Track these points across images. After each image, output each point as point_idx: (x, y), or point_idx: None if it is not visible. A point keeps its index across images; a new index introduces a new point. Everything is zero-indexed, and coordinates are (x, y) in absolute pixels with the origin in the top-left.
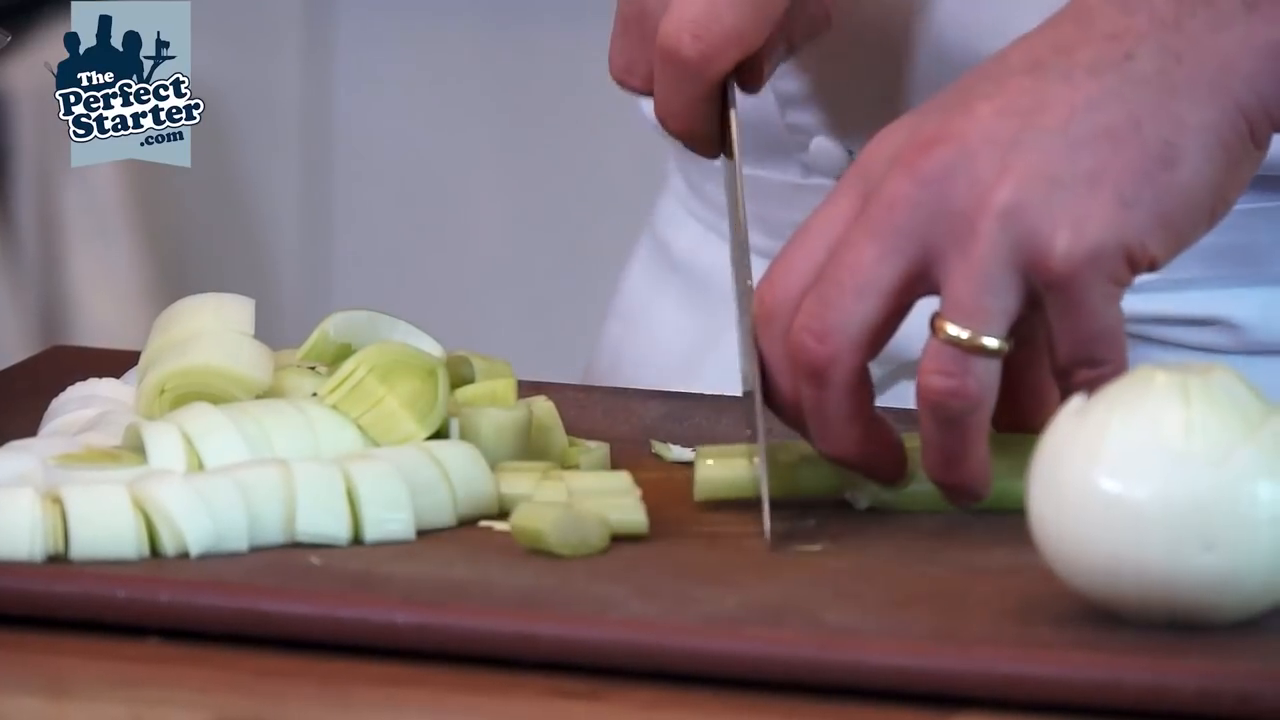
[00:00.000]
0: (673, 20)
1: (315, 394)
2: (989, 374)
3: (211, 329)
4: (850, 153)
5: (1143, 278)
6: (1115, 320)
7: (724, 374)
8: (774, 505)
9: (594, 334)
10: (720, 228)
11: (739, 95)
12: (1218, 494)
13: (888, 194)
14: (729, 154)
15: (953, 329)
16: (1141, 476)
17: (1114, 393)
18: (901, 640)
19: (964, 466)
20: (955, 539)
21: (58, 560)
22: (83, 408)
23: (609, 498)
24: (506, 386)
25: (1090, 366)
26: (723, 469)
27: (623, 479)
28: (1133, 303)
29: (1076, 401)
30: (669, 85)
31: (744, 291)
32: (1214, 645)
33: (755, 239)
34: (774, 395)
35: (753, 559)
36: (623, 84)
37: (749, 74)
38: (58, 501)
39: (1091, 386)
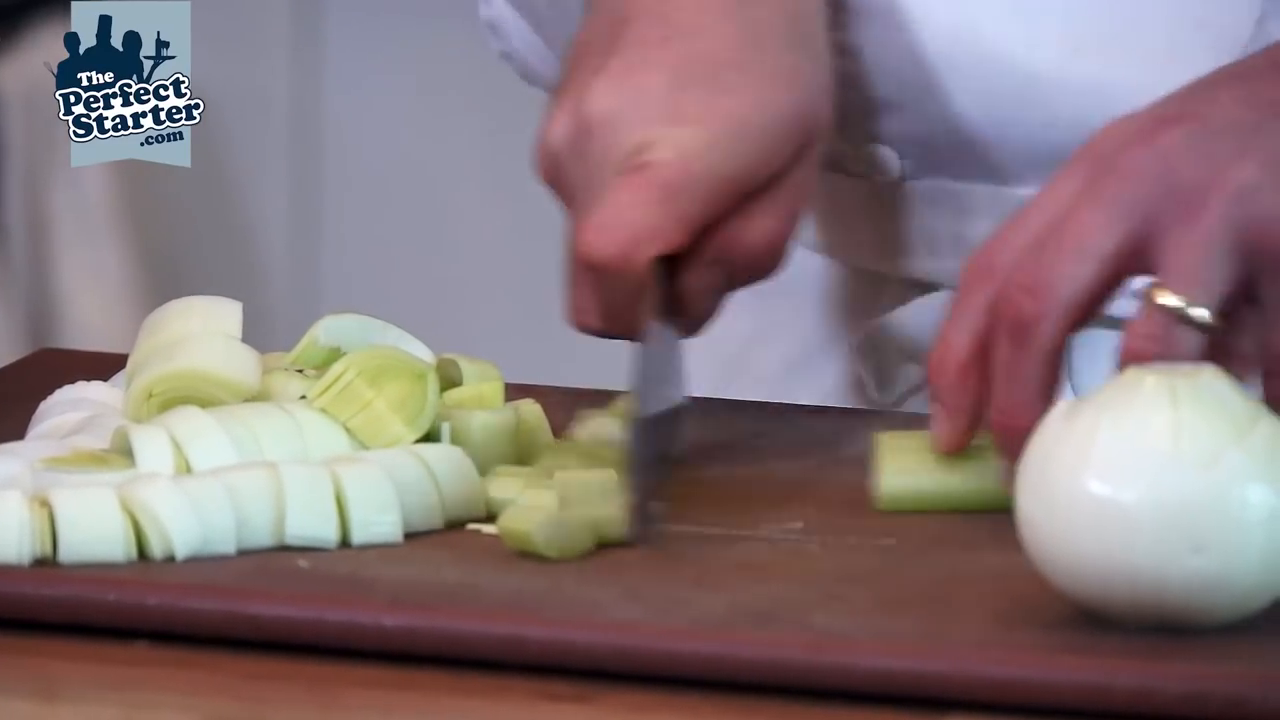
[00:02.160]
0: (585, 228)
1: (304, 397)
2: (1195, 346)
3: (200, 332)
4: (903, 159)
5: None
6: None
7: (774, 369)
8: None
9: (586, 334)
10: None
11: None
12: (1207, 497)
13: (1121, 165)
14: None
15: (1166, 297)
16: (1130, 479)
17: (1103, 396)
18: (890, 643)
19: None
20: (944, 542)
21: (45, 563)
22: (71, 411)
23: (597, 500)
24: (494, 389)
25: None
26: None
27: (608, 477)
28: None
29: (1065, 404)
30: (601, 291)
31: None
32: (1203, 648)
33: (806, 237)
34: (943, 353)
35: (742, 562)
36: (578, 327)
37: (681, 304)
38: (46, 504)
39: None
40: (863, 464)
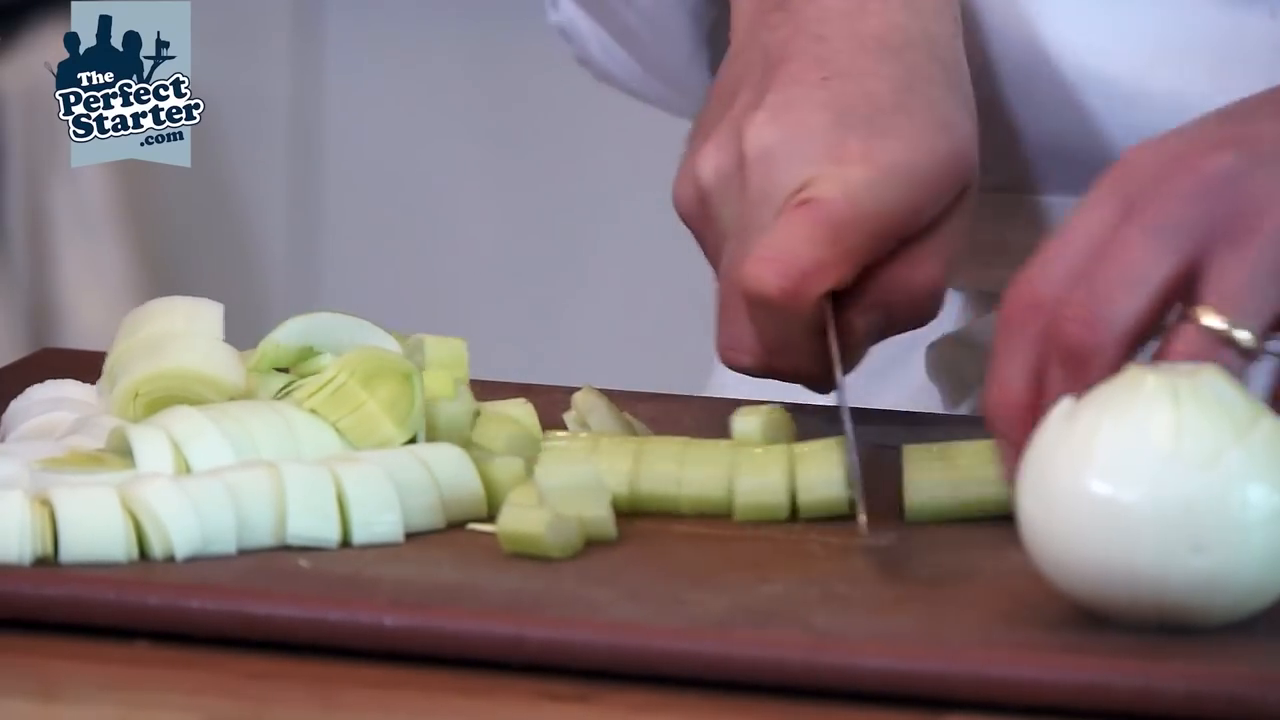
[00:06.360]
0: (752, 261)
1: (282, 389)
2: (1238, 369)
3: (183, 331)
4: (981, 172)
5: None
6: None
7: (849, 377)
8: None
9: (582, 334)
10: None
11: None
12: (1207, 496)
13: (1166, 192)
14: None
15: (1209, 319)
16: (1131, 479)
17: (1104, 395)
18: (890, 643)
19: None
20: (944, 542)
21: (46, 563)
22: (49, 410)
23: (582, 496)
24: (445, 379)
25: None
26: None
27: (590, 473)
28: None
29: (1066, 404)
30: (764, 327)
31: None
32: (1204, 648)
33: None
34: (1000, 392)
35: (741, 562)
36: (731, 364)
37: (845, 337)
38: (47, 504)
39: None
40: (863, 462)
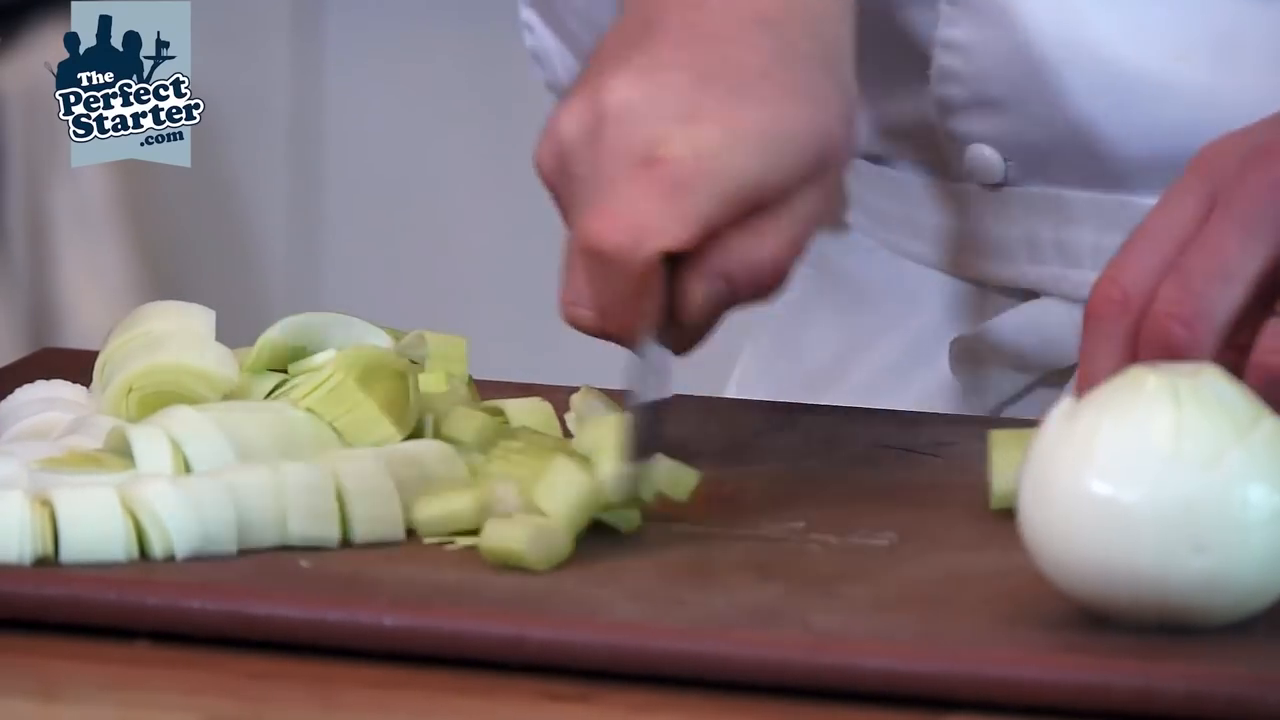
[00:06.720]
0: (591, 215)
1: (274, 390)
2: None
3: (176, 330)
4: (1007, 161)
5: None
6: None
7: (867, 378)
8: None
9: (582, 333)
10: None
11: None
12: (1208, 496)
13: (1253, 182)
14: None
15: None
16: (1132, 479)
17: (1105, 395)
18: (890, 643)
19: None
20: (944, 542)
21: (46, 563)
22: (40, 411)
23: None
24: (438, 376)
25: None
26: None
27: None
28: None
29: (1067, 404)
30: (600, 284)
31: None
32: (1204, 648)
33: (906, 244)
34: (1090, 387)
35: (742, 562)
36: (570, 320)
37: (678, 314)
38: (47, 504)
39: None
40: (863, 462)
